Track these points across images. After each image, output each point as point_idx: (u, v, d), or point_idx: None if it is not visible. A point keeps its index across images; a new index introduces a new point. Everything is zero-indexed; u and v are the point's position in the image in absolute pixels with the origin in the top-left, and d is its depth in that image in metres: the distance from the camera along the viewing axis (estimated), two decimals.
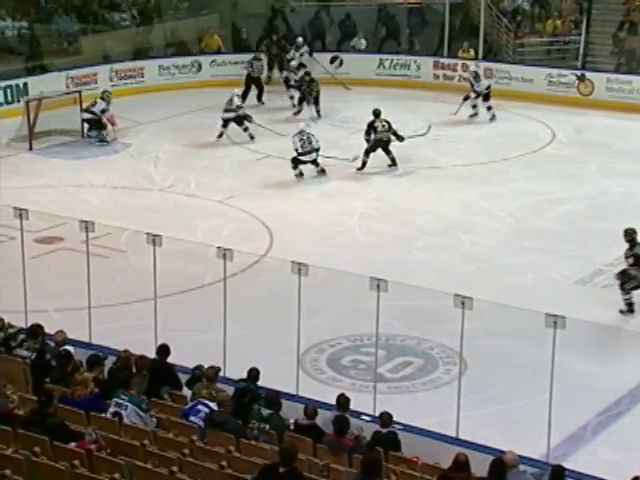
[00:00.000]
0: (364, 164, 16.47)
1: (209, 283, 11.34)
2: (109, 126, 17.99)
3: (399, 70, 22.47)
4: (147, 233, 9.56)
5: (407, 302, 10.98)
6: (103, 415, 7.75)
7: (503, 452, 7.39)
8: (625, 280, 11.41)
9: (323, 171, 16.29)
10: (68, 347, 8.74)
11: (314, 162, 16.24)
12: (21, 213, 9.92)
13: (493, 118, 19.58)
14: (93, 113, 17.83)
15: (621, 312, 11.40)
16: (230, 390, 8.37)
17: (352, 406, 8.17)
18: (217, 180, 16.08)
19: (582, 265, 12.75)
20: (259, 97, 20.75)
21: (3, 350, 8.85)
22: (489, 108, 19.60)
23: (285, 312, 9.67)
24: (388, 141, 16.59)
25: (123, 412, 7.71)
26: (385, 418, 8.04)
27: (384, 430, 7.98)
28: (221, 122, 17.86)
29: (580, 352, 10.13)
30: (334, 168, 16.74)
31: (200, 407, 7.96)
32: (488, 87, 19.65)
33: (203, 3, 24.21)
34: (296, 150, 16.06)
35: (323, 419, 8.04)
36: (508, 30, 23.11)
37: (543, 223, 14.35)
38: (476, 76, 19.74)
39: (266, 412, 7.93)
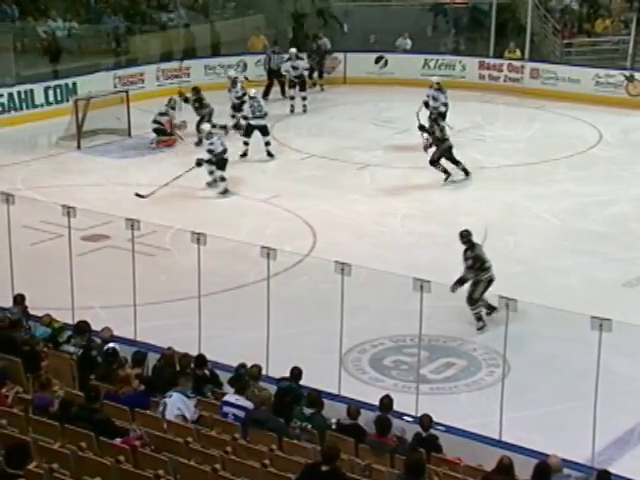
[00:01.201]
0: (447, 171, 15.59)
1: (252, 282, 11.38)
2: (175, 132, 17.98)
3: (444, 70, 22.34)
4: (192, 232, 9.64)
5: (450, 303, 10.94)
6: (148, 412, 7.83)
7: (547, 455, 7.34)
8: (461, 285, 10.70)
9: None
10: (113, 344, 8.85)
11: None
12: (69, 211, 10.04)
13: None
14: (159, 123, 17.98)
15: (479, 329, 10.72)
16: (272, 389, 8.40)
17: (394, 407, 8.15)
18: (261, 180, 16.14)
19: (629, 268, 12.59)
20: (266, 93, 20.54)
21: (51, 346, 8.99)
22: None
23: (328, 312, 9.68)
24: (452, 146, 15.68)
25: (168, 400, 7.77)
26: (425, 421, 8.00)
27: (425, 433, 7.95)
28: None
29: (626, 355, 9.99)
30: (378, 168, 16.75)
31: (225, 409, 7.97)
32: (446, 104, 17.48)
33: (249, 3, 24.34)
34: (245, 117, 16.92)
35: (365, 419, 8.03)
36: (555, 30, 22.87)
37: (589, 225, 14.18)
38: (439, 88, 17.65)
39: (308, 411, 7.95)
